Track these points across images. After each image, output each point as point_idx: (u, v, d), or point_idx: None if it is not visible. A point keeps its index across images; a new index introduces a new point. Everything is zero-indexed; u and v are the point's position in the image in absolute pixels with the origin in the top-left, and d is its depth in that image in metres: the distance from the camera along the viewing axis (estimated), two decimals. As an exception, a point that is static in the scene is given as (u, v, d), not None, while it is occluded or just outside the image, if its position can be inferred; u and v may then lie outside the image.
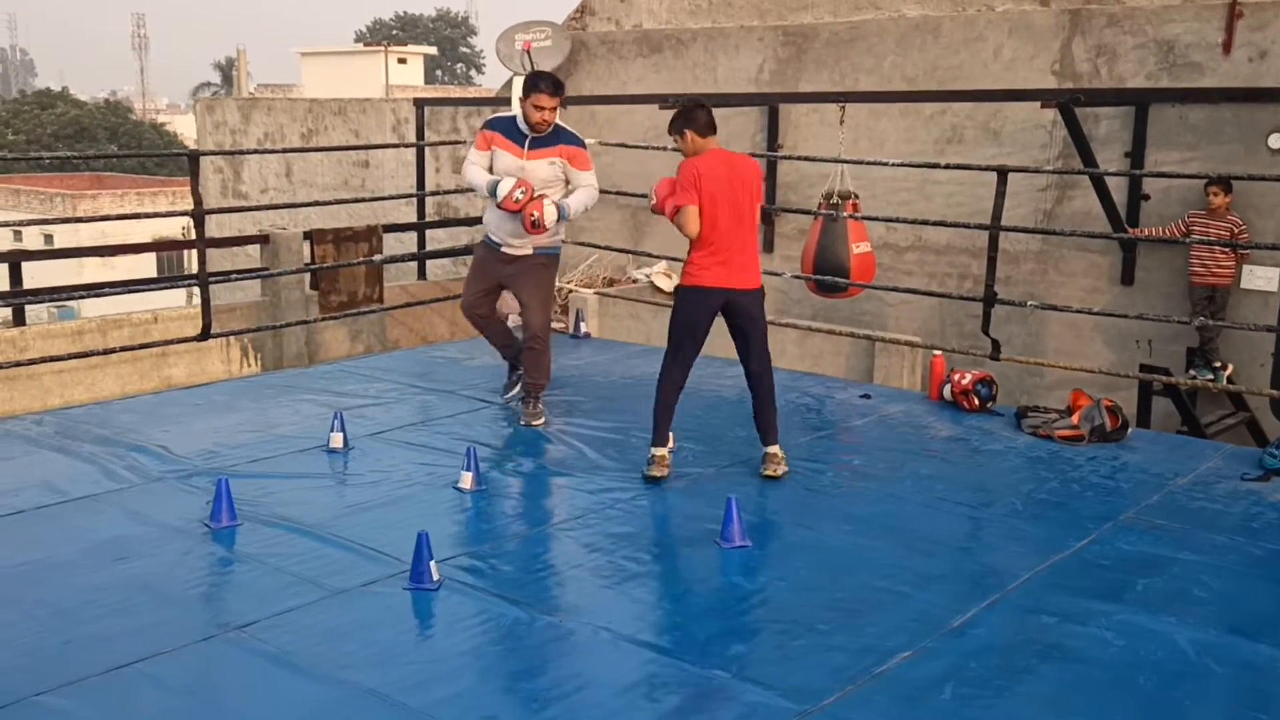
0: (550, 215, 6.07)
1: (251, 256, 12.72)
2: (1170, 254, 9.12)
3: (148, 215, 8.04)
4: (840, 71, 11.04)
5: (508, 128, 6.23)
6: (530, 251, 6.30)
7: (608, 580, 4.37)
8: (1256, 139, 8.78)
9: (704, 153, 5.38)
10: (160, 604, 4.01)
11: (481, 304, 6.54)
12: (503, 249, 6.33)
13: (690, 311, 5.42)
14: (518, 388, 6.56)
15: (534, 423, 6.24)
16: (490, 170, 6.26)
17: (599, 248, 10.98)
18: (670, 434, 5.51)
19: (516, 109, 6.30)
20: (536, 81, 6.09)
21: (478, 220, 11.33)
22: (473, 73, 69.11)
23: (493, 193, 6.10)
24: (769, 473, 5.45)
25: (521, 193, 6.02)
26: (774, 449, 5.51)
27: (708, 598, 4.23)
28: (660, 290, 11.34)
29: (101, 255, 11.16)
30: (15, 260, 9.07)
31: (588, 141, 6.49)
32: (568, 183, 6.26)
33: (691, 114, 5.42)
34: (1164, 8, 9.28)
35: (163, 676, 3.53)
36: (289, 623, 3.88)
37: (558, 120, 6.19)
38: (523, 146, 6.15)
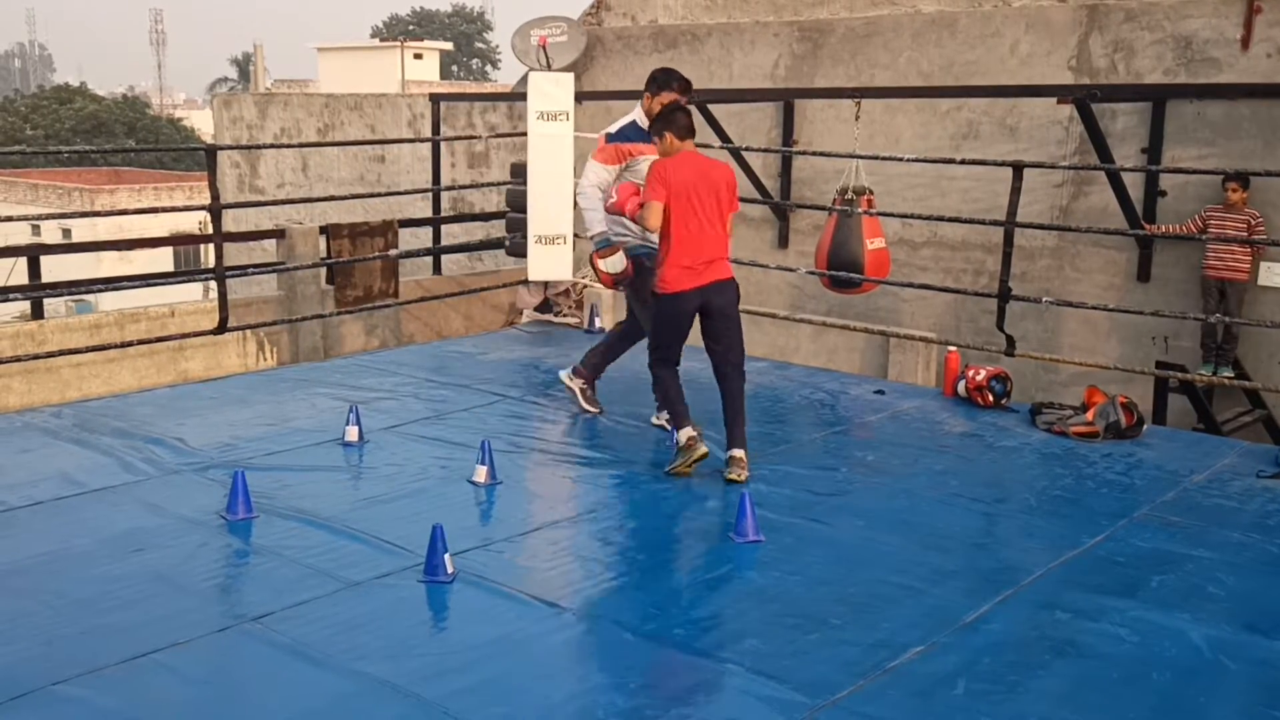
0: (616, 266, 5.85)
1: (268, 251, 12.78)
2: (1187, 250, 9.08)
3: (165, 210, 8.07)
4: (856, 67, 11.02)
5: (636, 134, 5.87)
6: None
7: (621, 573, 4.38)
8: (1275, 135, 8.73)
9: (676, 154, 5.38)
10: (177, 595, 4.04)
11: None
12: (648, 263, 5.87)
13: (671, 318, 5.45)
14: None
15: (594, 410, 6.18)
16: (621, 181, 5.87)
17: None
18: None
19: (637, 113, 5.96)
20: (668, 80, 5.82)
21: (493, 215, 11.42)
22: (488, 68, 69.19)
23: (604, 244, 5.80)
24: (733, 477, 5.25)
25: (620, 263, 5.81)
26: (739, 452, 5.33)
27: (721, 592, 4.24)
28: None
29: (119, 249, 11.22)
30: (34, 254, 9.13)
31: (597, 137, 6.47)
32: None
33: (673, 117, 5.40)
34: (1182, 3, 9.24)
35: (179, 666, 3.55)
36: (304, 614, 3.90)
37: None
38: (651, 142, 5.72)
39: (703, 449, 5.33)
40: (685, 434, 5.35)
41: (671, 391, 5.46)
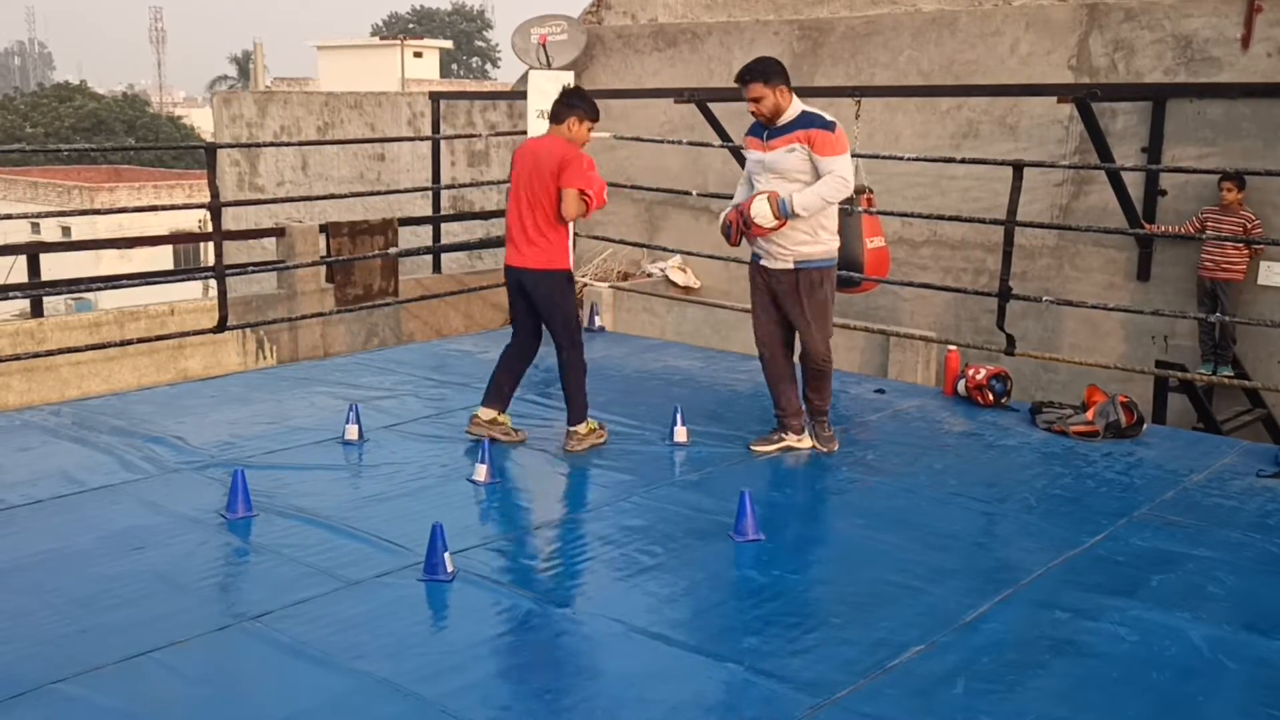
0: (760, 210, 5.39)
1: (268, 249, 12.77)
2: (1187, 250, 9.08)
3: (165, 208, 8.08)
4: (856, 65, 11.02)
5: (757, 125, 5.65)
6: (789, 266, 5.55)
7: (621, 573, 4.38)
8: (1275, 134, 8.73)
9: (534, 139, 5.77)
10: (176, 594, 4.04)
11: (770, 334, 5.76)
12: (761, 261, 5.67)
13: (508, 291, 5.86)
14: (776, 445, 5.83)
15: (831, 448, 5.78)
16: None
17: (614, 241, 10.99)
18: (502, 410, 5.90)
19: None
20: (738, 73, 5.55)
21: (493, 214, 11.43)
22: (488, 66, 69.17)
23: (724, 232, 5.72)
24: (570, 448, 5.71)
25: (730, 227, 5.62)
26: (574, 427, 5.77)
27: (720, 591, 4.24)
28: (674, 284, 11.35)
29: (118, 248, 11.23)
30: (33, 252, 9.12)
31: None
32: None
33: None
34: (1182, 2, 9.23)
35: (178, 665, 3.55)
36: (304, 613, 3.90)
37: (804, 107, 5.57)
38: (763, 139, 5.59)
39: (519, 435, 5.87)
40: (491, 412, 5.88)
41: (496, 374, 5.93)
